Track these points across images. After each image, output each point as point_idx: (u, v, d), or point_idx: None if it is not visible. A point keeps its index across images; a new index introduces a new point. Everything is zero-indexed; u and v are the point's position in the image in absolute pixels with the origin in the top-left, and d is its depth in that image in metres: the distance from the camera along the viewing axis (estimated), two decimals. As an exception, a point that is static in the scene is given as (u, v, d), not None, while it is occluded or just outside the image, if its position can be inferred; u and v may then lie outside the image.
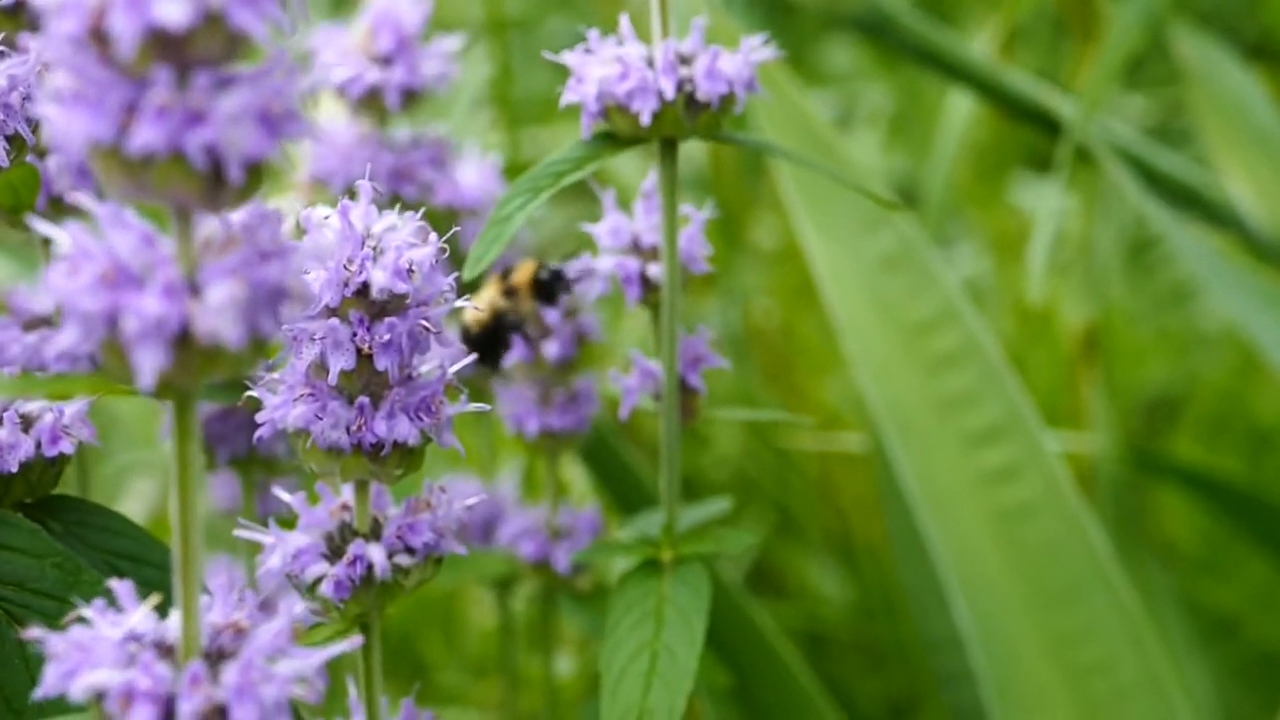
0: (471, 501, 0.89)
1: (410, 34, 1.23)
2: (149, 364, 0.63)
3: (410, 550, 0.86)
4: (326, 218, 0.84)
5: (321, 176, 1.23)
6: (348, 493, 0.88)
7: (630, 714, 0.91)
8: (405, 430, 0.84)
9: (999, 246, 1.97)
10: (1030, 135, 2.13)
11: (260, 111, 0.63)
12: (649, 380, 1.03)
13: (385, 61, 1.24)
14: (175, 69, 0.63)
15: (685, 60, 0.95)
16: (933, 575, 1.32)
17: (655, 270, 1.03)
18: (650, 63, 0.94)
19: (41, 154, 0.98)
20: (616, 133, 0.95)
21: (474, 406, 0.87)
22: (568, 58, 0.95)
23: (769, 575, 1.79)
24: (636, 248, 1.05)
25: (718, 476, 1.81)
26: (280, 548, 0.86)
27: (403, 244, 0.83)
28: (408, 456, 0.85)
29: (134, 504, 1.69)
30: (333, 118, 1.26)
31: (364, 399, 0.84)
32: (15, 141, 0.88)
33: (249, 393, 0.85)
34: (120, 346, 0.64)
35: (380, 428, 0.84)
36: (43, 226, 0.69)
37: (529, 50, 1.93)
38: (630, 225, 1.05)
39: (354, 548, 0.85)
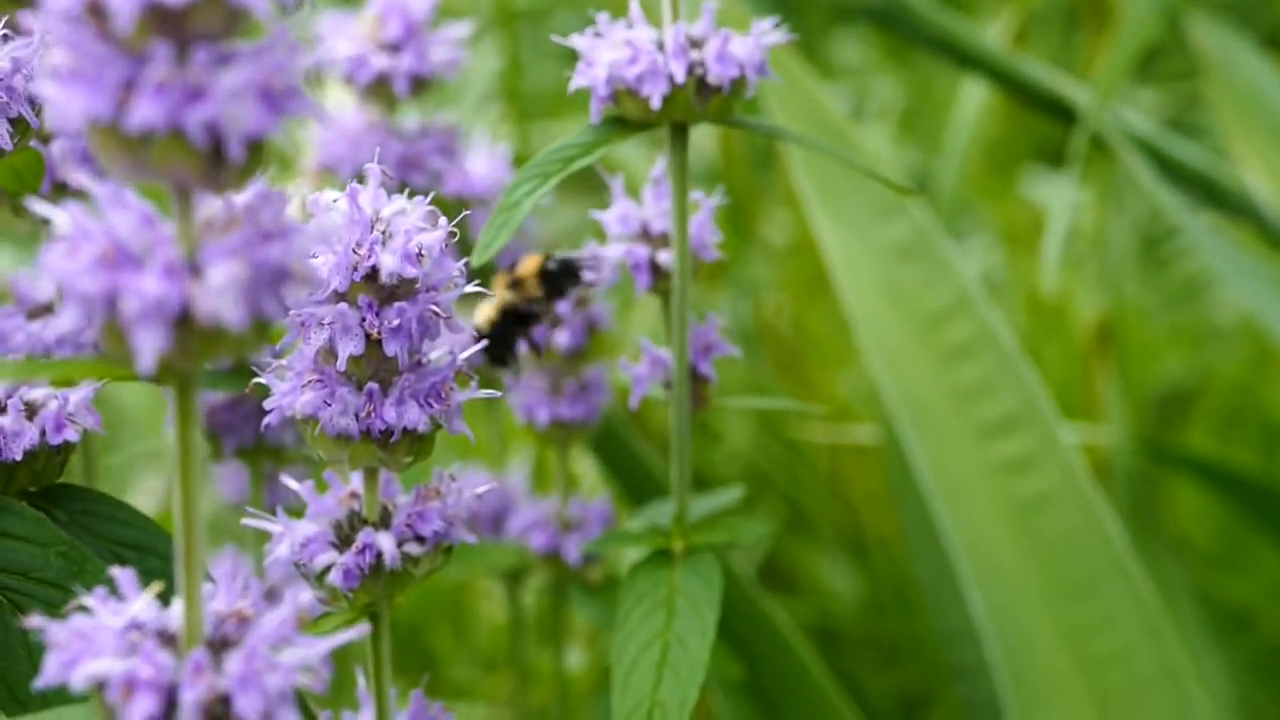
0: (482, 490, 0.88)
1: (419, 21, 1.22)
2: (149, 345, 0.62)
3: (420, 539, 0.85)
4: (335, 201, 0.83)
5: (329, 164, 1.22)
6: (356, 481, 0.87)
7: (642, 706, 0.90)
8: (415, 416, 0.83)
9: (1011, 240, 1.96)
10: (1042, 128, 2.12)
11: (261, 87, 0.62)
12: (659, 368, 1.02)
13: (393, 48, 1.23)
14: (174, 44, 0.62)
15: (696, 44, 0.93)
16: (947, 567, 1.31)
17: (665, 257, 1.02)
18: (660, 46, 0.93)
19: (46, 139, 0.97)
20: (626, 117, 0.94)
21: (484, 393, 0.86)
22: (577, 41, 0.94)
23: (780, 570, 1.78)
24: (646, 235, 1.04)
25: (728, 471, 1.80)
26: (288, 536, 0.85)
27: (412, 228, 0.82)
28: (417, 443, 0.84)
29: (143, 499, 1.68)
30: (341, 105, 1.25)
31: (373, 385, 0.83)
32: (19, 125, 0.87)
33: (256, 380, 0.84)
34: (120, 328, 0.63)
35: (389, 414, 0.83)
36: (42, 208, 0.68)
37: (538, 43, 1.92)
38: (639, 212, 1.04)
39: (363, 536, 0.84)
